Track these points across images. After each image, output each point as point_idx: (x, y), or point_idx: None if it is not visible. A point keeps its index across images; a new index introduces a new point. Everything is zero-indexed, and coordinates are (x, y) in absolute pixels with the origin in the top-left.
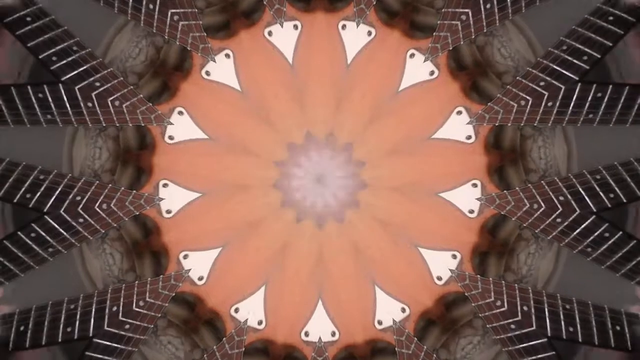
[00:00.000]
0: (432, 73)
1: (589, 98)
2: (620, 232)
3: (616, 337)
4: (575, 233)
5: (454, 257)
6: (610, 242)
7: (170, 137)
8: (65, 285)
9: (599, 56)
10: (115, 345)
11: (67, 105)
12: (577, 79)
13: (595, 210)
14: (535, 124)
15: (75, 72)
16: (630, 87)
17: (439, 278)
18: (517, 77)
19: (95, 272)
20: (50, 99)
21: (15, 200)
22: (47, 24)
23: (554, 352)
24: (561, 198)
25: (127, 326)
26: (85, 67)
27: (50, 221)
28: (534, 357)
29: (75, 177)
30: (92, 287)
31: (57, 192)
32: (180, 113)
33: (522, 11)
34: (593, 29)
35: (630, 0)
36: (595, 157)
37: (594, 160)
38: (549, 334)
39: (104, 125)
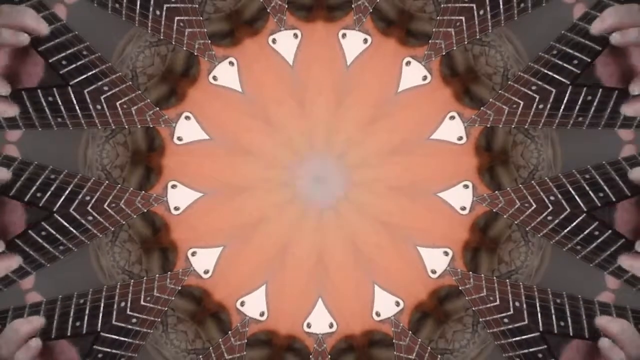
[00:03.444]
0: (424, 78)
1: (579, 101)
2: (610, 231)
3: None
4: (565, 231)
5: (446, 253)
6: (599, 240)
7: (179, 139)
8: (79, 281)
9: (589, 60)
10: (123, 338)
11: (77, 108)
12: (568, 82)
13: (585, 209)
14: (526, 126)
15: (84, 76)
16: (619, 91)
17: (433, 271)
18: (509, 82)
19: (106, 269)
20: (60, 102)
21: (26, 199)
22: (58, 28)
23: (546, 346)
24: (552, 198)
25: (135, 320)
26: (94, 72)
27: (60, 219)
28: (526, 351)
29: (85, 177)
30: (104, 283)
31: (67, 192)
32: (187, 118)
33: (515, 18)
34: (582, 34)
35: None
36: (581, 159)
37: (581, 162)
38: (541, 329)
39: (113, 127)
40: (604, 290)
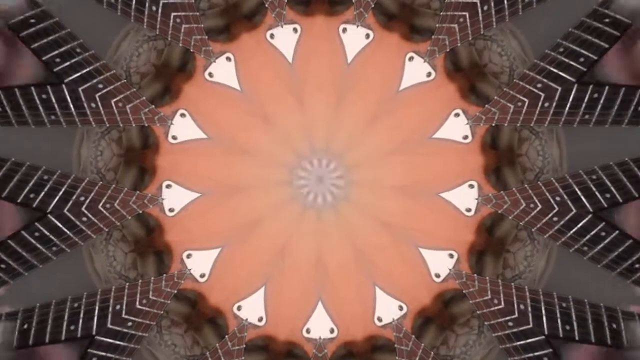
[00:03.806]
0: (429, 74)
1: (586, 99)
2: (617, 232)
3: (612, 335)
4: (571, 232)
5: (451, 256)
6: (606, 241)
7: (174, 137)
8: (72, 284)
9: (595, 58)
10: (118, 342)
11: (71, 106)
12: (574, 80)
13: (591, 210)
14: (531, 125)
15: (79, 73)
16: (626, 88)
17: (437, 275)
18: (514, 80)
19: (100, 271)
20: (54, 100)
21: (19, 200)
22: (51, 25)
23: (551, 350)
24: (557, 198)
25: (130, 323)
26: (88, 69)
27: (54, 220)
28: (530, 355)
29: (79, 177)
30: (99, 286)
31: (61, 192)
32: (183, 115)
33: (519, 13)
34: (589, 31)
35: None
36: (588, 159)
37: (588, 162)
38: (546, 332)
39: (107, 125)
40: (633, 302)
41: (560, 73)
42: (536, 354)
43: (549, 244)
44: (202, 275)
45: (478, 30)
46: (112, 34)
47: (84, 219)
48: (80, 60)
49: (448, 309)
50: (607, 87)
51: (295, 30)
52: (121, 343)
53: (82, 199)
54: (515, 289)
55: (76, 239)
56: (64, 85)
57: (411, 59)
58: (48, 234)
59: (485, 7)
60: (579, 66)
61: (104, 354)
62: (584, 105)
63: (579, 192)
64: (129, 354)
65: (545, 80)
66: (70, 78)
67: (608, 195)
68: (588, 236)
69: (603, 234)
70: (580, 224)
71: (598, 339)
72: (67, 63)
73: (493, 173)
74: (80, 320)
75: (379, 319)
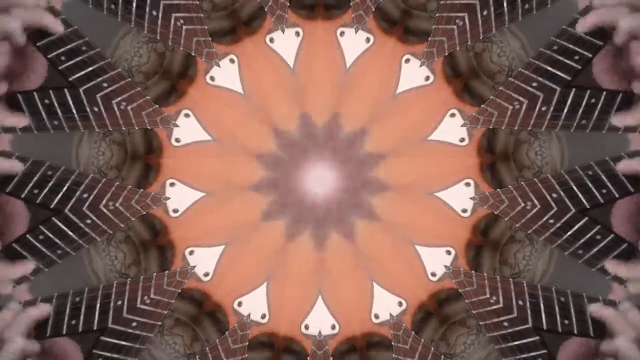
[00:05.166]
0: (427, 78)
1: (583, 104)
2: (612, 235)
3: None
4: (567, 235)
5: (449, 253)
6: (601, 244)
7: (177, 140)
8: (73, 281)
9: (590, 55)
10: (123, 343)
11: (73, 110)
12: (569, 79)
13: (588, 206)
14: (529, 128)
15: (83, 72)
16: (623, 94)
17: (433, 274)
18: (510, 79)
19: (101, 269)
20: (56, 105)
21: (22, 196)
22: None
23: (546, 351)
24: (554, 195)
25: (134, 324)
26: (93, 68)
27: (58, 223)
28: (526, 355)
29: (83, 174)
30: (98, 283)
31: (65, 188)
32: (187, 115)
33: (519, 19)
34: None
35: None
36: (589, 158)
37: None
38: (545, 328)
39: (110, 129)
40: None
41: (556, 71)
42: (531, 354)
43: (548, 244)
44: (206, 274)
45: (477, 35)
46: (112, 36)
47: (88, 221)
48: (85, 58)
49: (445, 308)
50: (604, 93)
51: (297, 34)
52: (126, 343)
53: (85, 196)
54: (514, 285)
55: (81, 241)
56: (66, 89)
57: (407, 60)
58: (53, 237)
59: (485, 12)
60: (574, 64)
61: (109, 354)
62: (581, 110)
63: (575, 189)
64: (134, 354)
65: (540, 79)
66: (75, 76)
67: (604, 191)
68: (583, 239)
69: (598, 237)
70: (576, 227)
71: (597, 333)
72: (72, 61)
73: (488, 170)
74: (82, 315)
75: (376, 316)
